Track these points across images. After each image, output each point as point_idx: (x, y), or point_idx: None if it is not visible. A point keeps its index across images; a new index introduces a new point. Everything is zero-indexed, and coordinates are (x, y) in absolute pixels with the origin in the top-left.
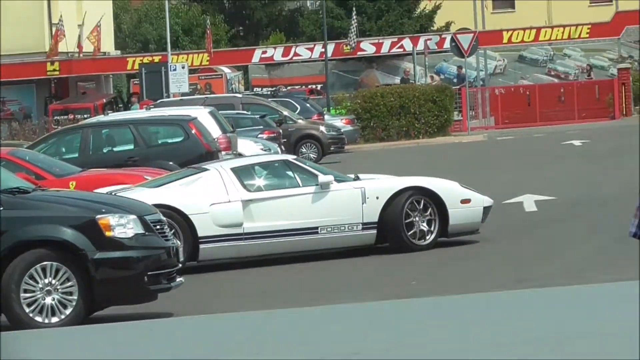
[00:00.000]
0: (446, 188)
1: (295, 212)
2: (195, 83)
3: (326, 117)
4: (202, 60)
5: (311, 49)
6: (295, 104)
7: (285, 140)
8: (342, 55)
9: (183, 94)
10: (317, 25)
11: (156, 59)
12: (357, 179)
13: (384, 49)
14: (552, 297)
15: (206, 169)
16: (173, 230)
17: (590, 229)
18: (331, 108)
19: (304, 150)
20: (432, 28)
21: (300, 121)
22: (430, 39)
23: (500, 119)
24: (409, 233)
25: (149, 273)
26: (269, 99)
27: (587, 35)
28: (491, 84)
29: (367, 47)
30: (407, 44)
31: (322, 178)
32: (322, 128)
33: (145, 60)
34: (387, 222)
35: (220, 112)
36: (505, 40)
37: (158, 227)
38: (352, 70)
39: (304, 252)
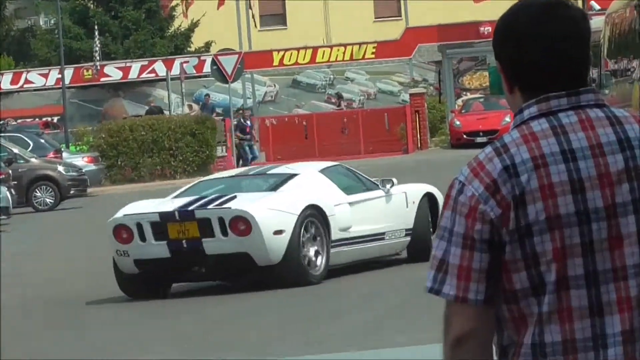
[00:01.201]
0: (440, 195)
1: (378, 215)
2: None
3: (64, 154)
4: None
5: (46, 75)
6: (27, 139)
7: (15, 182)
8: (82, 82)
9: None
10: (53, 47)
11: None
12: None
13: (133, 74)
14: None
15: (296, 173)
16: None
17: (383, 285)
18: (70, 144)
19: (38, 194)
20: (189, 49)
21: (33, 160)
22: (187, 62)
23: (271, 155)
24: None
25: None
26: None
27: (373, 56)
28: (261, 113)
29: (113, 72)
30: (159, 67)
31: (395, 180)
32: (60, 168)
33: None
34: (416, 228)
35: None
36: (276, 62)
37: None
38: (94, 100)
39: (370, 260)
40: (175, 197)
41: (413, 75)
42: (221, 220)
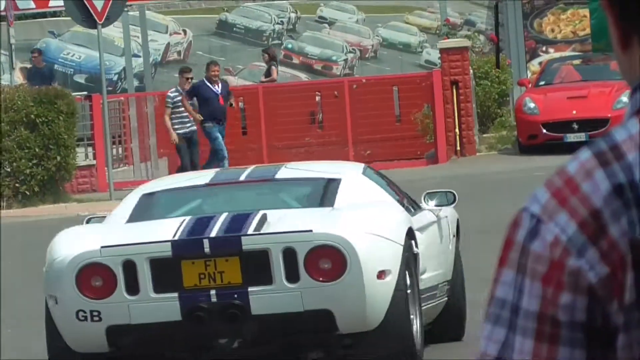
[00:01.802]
0: None
1: (435, 255)
2: None
3: None
4: None
5: None
6: None
7: None
8: None
9: None
10: None
11: None
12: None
13: None
14: None
15: (337, 178)
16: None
17: None
18: None
19: None
20: None
21: None
22: None
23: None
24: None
25: None
26: None
27: None
28: (159, 84)
29: None
30: None
31: (455, 194)
32: None
33: None
34: (453, 281)
35: None
36: None
37: None
38: None
39: None
40: (128, 222)
41: (447, 14)
42: (290, 254)
